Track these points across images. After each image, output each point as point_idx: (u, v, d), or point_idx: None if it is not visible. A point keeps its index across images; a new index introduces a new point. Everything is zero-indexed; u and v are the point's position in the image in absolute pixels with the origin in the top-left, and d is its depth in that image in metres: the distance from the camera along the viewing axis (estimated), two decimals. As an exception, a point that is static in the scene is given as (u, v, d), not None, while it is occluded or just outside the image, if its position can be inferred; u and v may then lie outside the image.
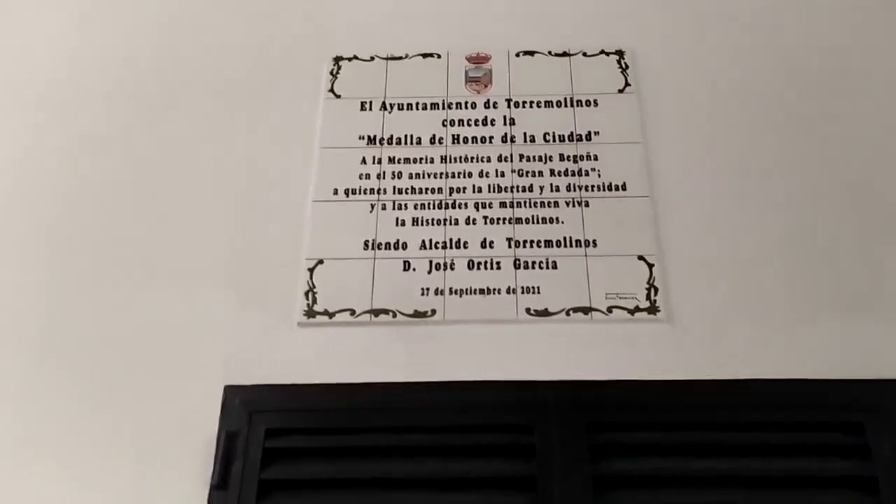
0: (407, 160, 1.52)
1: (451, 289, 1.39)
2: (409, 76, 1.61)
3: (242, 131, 1.56)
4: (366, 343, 1.35)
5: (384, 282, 1.40)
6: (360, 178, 1.50)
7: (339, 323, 1.36)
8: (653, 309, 1.36)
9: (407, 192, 1.48)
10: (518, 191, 1.48)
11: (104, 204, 1.50)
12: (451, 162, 1.51)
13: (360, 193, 1.49)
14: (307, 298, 1.38)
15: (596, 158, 1.51)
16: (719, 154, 1.52)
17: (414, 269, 1.41)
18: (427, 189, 1.49)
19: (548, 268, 1.41)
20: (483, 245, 1.43)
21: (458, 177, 1.50)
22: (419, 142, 1.54)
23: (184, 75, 1.64)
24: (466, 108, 1.57)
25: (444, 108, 1.57)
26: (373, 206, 1.47)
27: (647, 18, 1.68)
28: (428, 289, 1.39)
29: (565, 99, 1.58)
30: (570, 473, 1.21)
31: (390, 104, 1.58)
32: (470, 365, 1.32)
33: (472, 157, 1.52)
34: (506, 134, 1.54)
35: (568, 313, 1.37)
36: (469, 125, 1.55)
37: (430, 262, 1.42)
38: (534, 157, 1.52)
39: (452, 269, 1.41)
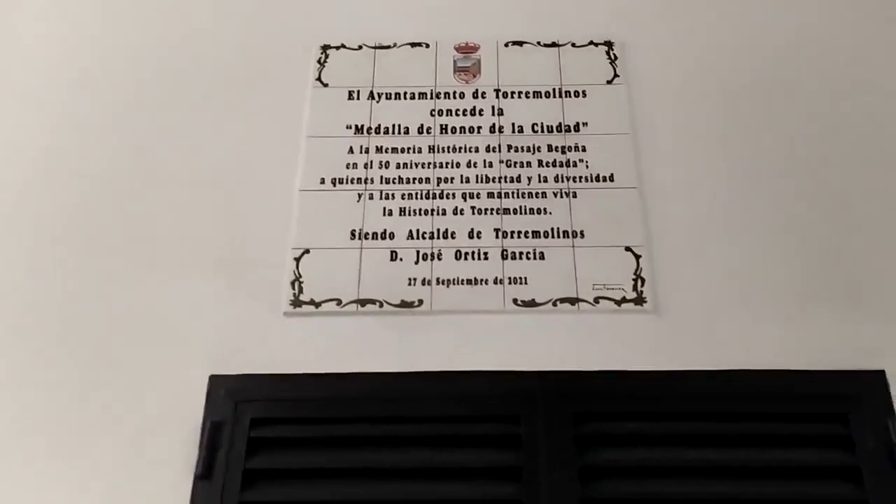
0: (395, 150, 1.51)
1: (438, 279, 1.39)
2: (398, 65, 1.60)
3: (229, 120, 1.55)
4: (352, 333, 1.34)
5: (371, 272, 1.39)
6: (348, 167, 1.49)
7: (325, 313, 1.35)
8: (639, 300, 1.36)
9: (394, 182, 1.48)
10: (506, 181, 1.48)
11: (91, 194, 1.49)
12: (438, 152, 1.51)
13: (347, 183, 1.48)
14: (293, 288, 1.37)
15: (584, 149, 1.51)
16: (707, 145, 1.52)
17: (401, 259, 1.41)
18: (415, 179, 1.48)
19: (535, 258, 1.41)
20: (470, 235, 1.43)
21: (446, 167, 1.49)
22: (407, 131, 1.53)
23: (171, 64, 1.63)
24: (455, 97, 1.56)
25: (432, 97, 1.56)
26: (360, 196, 1.46)
27: (635, 10, 1.67)
28: (415, 279, 1.39)
29: (554, 90, 1.57)
30: (556, 464, 1.21)
31: (378, 93, 1.57)
32: (457, 355, 1.31)
33: (461, 147, 1.51)
34: (494, 124, 1.54)
35: (555, 304, 1.36)
36: (457, 115, 1.55)
37: (418, 252, 1.41)
38: (522, 147, 1.51)
39: (440, 259, 1.41)
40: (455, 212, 1.45)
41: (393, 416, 1.26)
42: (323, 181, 1.48)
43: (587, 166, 1.49)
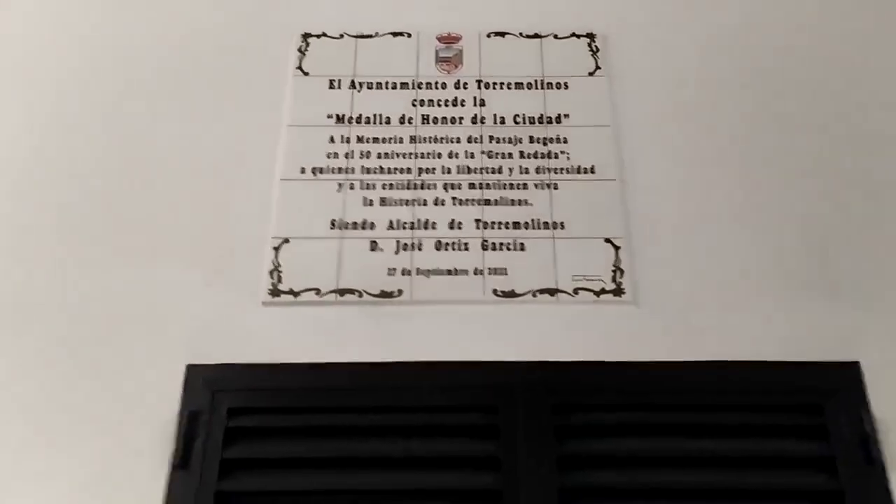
0: (376, 139, 1.50)
1: (418, 269, 1.38)
2: (379, 55, 1.59)
3: (209, 108, 1.54)
4: (331, 323, 1.34)
5: (351, 261, 1.39)
6: (328, 156, 1.48)
7: (304, 302, 1.35)
8: (618, 291, 1.37)
9: (375, 172, 1.47)
10: (487, 172, 1.48)
11: (68, 180, 1.47)
12: (420, 142, 1.50)
13: (327, 172, 1.47)
14: (272, 277, 1.36)
15: (566, 141, 1.51)
16: (688, 138, 1.52)
17: (381, 250, 1.40)
18: (396, 169, 1.47)
19: (515, 249, 1.41)
20: (451, 226, 1.43)
21: (427, 157, 1.49)
22: (388, 121, 1.52)
23: (151, 53, 1.61)
24: (436, 88, 1.56)
25: (413, 87, 1.56)
26: (340, 186, 1.46)
27: (618, 2, 1.68)
28: (395, 269, 1.38)
29: (536, 81, 1.57)
30: (535, 454, 1.21)
31: (359, 83, 1.56)
32: (436, 345, 1.31)
33: (442, 138, 1.51)
34: (476, 115, 1.53)
35: (534, 294, 1.37)
36: (439, 105, 1.54)
37: (398, 242, 1.41)
38: (503, 138, 1.51)
39: (420, 249, 1.40)
40: (436, 202, 1.45)
41: (371, 405, 1.26)
42: (303, 170, 1.47)
43: (568, 158, 1.49)
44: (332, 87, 1.56)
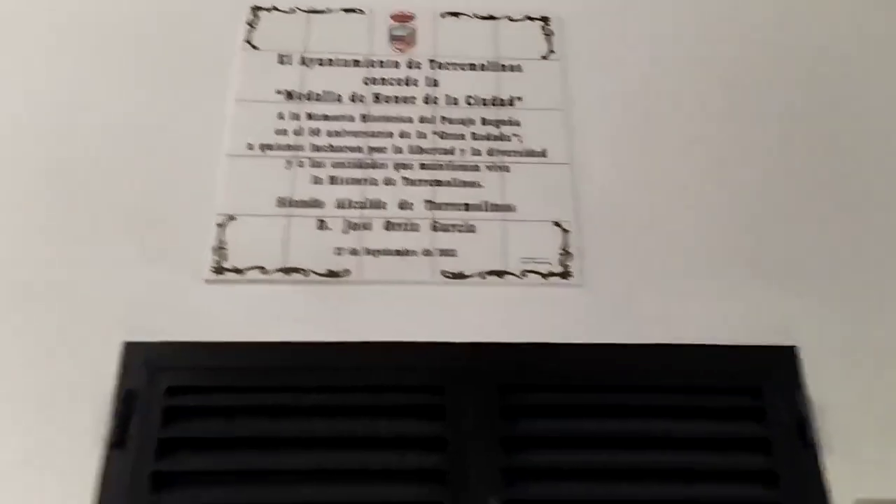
0: (326, 117, 1.48)
1: (366, 249, 1.37)
2: (331, 31, 1.56)
3: (154, 79, 1.49)
4: (276, 302, 1.31)
5: (298, 240, 1.36)
6: (277, 133, 1.45)
7: (248, 280, 1.32)
8: (566, 274, 1.37)
9: (325, 150, 1.45)
10: (438, 153, 1.47)
11: (6, 153, 1.41)
12: (371, 121, 1.48)
13: (276, 149, 1.44)
14: (216, 254, 1.33)
15: (518, 124, 1.51)
16: (640, 124, 1.53)
17: (329, 229, 1.38)
18: (346, 147, 1.45)
19: (465, 231, 1.40)
20: (401, 206, 1.41)
21: (379, 136, 1.47)
22: (339, 99, 1.50)
23: (93, 21, 1.55)
24: (389, 66, 1.54)
25: (366, 65, 1.54)
26: (289, 163, 1.43)
27: (573, -15, 1.68)
28: (343, 248, 1.37)
29: (489, 63, 1.56)
30: (480, 434, 1.22)
31: (310, 59, 1.53)
32: (383, 326, 1.30)
33: (394, 117, 1.49)
34: (428, 95, 1.52)
35: (483, 276, 1.37)
36: (391, 84, 1.52)
37: (347, 221, 1.39)
38: (456, 119, 1.50)
39: (369, 229, 1.39)
40: (386, 182, 1.43)
41: (316, 385, 1.25)
42: (251, 146, 1.44)
43: (521, 141, 1.49)
44: (281, 62, 1.52)
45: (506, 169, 1.46)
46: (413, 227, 1.40)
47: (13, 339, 1.25)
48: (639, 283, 1.38)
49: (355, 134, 1.47)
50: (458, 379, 1.25)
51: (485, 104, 1.52)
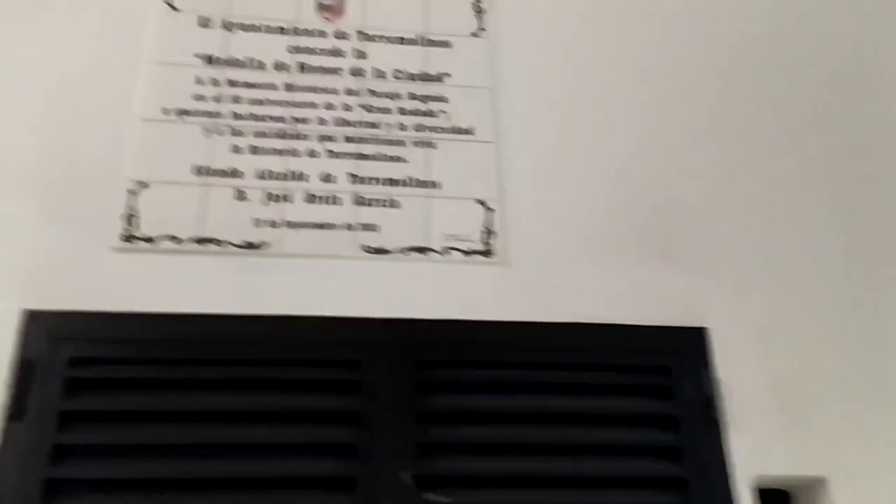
0: (248, 84, 1.43)
1: (286, 221, 1.34)
2: (256, -5, 1.52)
3: (66, 34, 1.41)
4: (190, 273, 1.27)
5: (215, 210, 1.32)
6: (195, 98, 1.40)
7: (160, 250, 1.28)
8: (487, 252, 1.38)
9: (246, 119, 1.40)
10: (364, 126, 1.44)
11: None
12: (295, 91, 1.45)
13: (193, 115, 1.39)
14: (127, 222, 1.29)
15: (446, 100, 1.50)
16: (567, 104, 1.53)
17: (248, 199, 1.35)
18: (268, 117, 1.41)
19: (388, 206, 1.39)
20: (324, 179, 1.39)
21: (303, 107, 1.43)
22: (262, 66, 1.45)
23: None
24: (316, 36, 1.50)
25: (291, 33, 1.49)
26: (207, 131, 1.38)
27: (504, -37, 1.67)
28: (262, 220, 1.34)
29: (419, 38, 1.55)
30: (395, 409, 1.22)
31: (233, 23, 1.47)
32: (301, 300, 1.28)
33: (319, 88, 1.46)
34: (355, 67, 1.49)
35: (405, 252, 1.36)
36: (318, 54, 1.49)
37: (267, 192, 1.36)
38: (383, 93, 1.48)
39: (290, 201, 1.36)
40: (310, 154, 1.40)
41: (227, 358, 1.22)
42: (167, 111, 1.38)
43: (448, 118, 1.48)
44: (202, 25, 1.46)
45: (432, 145, 1.45)
46: (335, 201, 1.38)
47: None
48: (558, 263, 1.39)
49: (278, 103, 1.43)
50: (374, 354, 1.24)
51: (413, 79, 1.50)
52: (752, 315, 1.39)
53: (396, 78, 1.50)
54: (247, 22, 1.48)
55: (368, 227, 1.37)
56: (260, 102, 1.42)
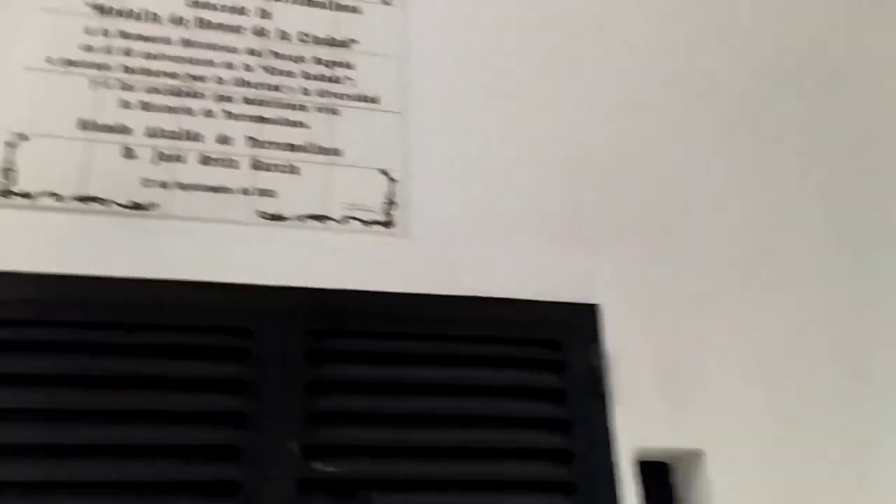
0: (141, 37, 1.37)
1: (178, 183, 1.29)
2: (153, -56, 1.44)
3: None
4: (71, 232, 1.21)
5: (101, 167, 1.26)
6: (83, 49, 1.33)
7: (39, 207, 1.21)
8: (388, 223, 1.37)
9: (137, 73, 1.34)
10: (265, 88, 1.40)
11: None
12: (193, 47, 1.39)
13: (81, 66, 1.32)
14: (3, 176, 1.21)
15: (352, 67, 1.47)
16: (477, 77, 1.53)
17: (137, 158, 1.29)
18: (162, 72, 1.35)
19: (288, 172, 1.36)
20: (220, 141, 1.34)
21: (200, 64, 1.38)
22: (157, 19, 1.39)
23: None
24: (217, -9, 1.45)
25: (191, -14, 1.43)
26: (94, 83, 1.31)
27: (418, -70, 1.64)
28: (152, 180, 1.28)
29: (328, 1, 1.51)
30: (283, 378, 1.19)
31: (128, -28, 1.41)
32: (191, 265, 1.24)
33: (218, 46, 1.40)
34: (258, 26, 1.44)
35: (302, 220, 1.33)
36: (218, 10, 1.43)
37: (157, 151, 1.30)
38: (286, 56, 1.44)
39: (182, 162, 1.31)
40: (205, 114, 1.35)
41: (111, 321, 1.17)
42: (51, 60, 1.30)
43: (354, 85, 1.45)
44: (94, -29, 1.39)
45: (336, 112, 1.42)
46: (231, 164, 1.33)
47: None
48: (459, 236, 1.39)
49: (173, 59, 1.37)
50: (263, 321, 1.22)
51: (318, 43, 1.47)
52: (645, 292, 1.43)
53: (302, 41, 1.46)
54: (143, -29, 1.41)
55: (265, 193, 1.33)
56: (154, 57, 1.36)
